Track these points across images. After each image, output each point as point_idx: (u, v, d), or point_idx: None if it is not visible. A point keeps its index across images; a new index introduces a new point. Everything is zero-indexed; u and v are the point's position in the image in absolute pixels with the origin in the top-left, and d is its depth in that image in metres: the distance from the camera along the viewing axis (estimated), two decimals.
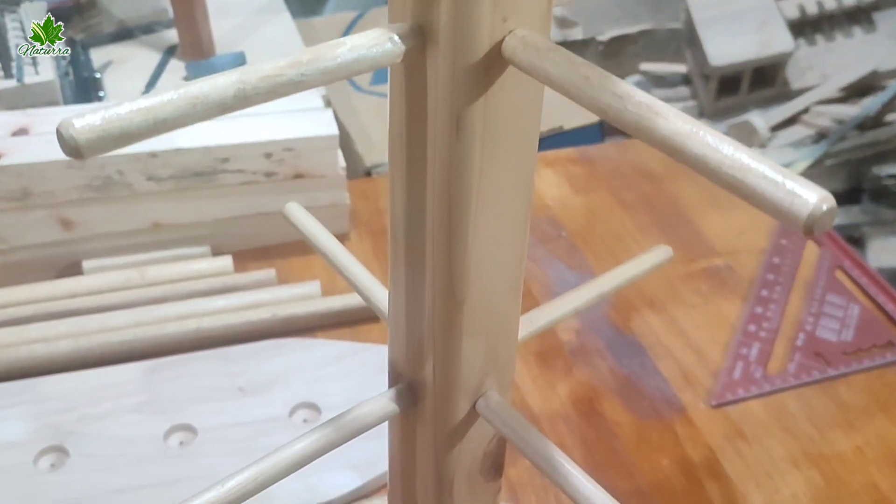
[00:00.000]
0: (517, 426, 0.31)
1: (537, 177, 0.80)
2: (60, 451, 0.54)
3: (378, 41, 0.24)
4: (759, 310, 0.67)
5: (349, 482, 0.53)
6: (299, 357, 0.61)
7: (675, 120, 0.21)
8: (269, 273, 0.66)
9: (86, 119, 0.20)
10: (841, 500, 0.55)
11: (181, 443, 0.55)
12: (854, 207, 0.96)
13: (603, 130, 1.13)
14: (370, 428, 0.32)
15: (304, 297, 0.64)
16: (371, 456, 0.54)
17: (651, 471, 0.56)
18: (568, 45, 1.50)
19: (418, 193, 0.28)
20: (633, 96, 0.21)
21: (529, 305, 0.67)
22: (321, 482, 0.53)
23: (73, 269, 0.66)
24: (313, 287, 0.65)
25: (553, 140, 1.05)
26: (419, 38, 0.25)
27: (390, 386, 0.34)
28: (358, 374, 0.60)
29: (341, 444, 0.31)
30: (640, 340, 0.65)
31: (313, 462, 0.54)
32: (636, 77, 1.44)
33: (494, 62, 0.24)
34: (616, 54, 1.58)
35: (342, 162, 0.68)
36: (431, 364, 0.32)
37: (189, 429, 0.56)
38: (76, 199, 0.63)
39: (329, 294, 0.65)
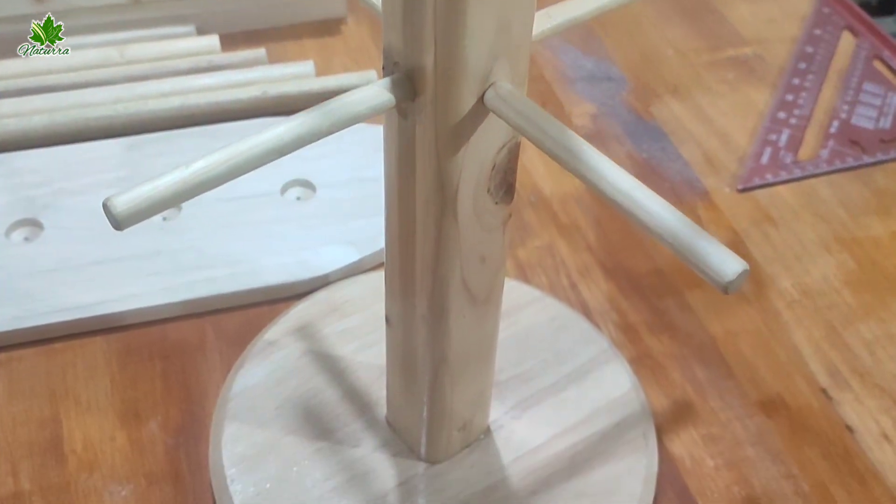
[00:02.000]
0: (532, 115, 0.27)
1: None
2: (34, 224, 0.50)
3: None
4: (789, 97, 0.62)
5: (345, 256, 0.49)
6: None
7: None
8: (258, 52, 0.61)
9: None
10: (874, 283, 0.51)
11: (164, 217, 0.51)
12: (888, 18, 0.90)
13: None
14: (361, 119, 0.27)
15: (297, 76, 0.59)
16: (370, 232, 0.50)
17: (670, 252, 0.52)
18: None
19: None
20: None
21: (542, 90, 0.63)
22: (314, 256, 0.49)
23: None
24: (307, 67, 0.60)
25: None
26: None
27: (385, 77, 0.29)
28: (356, 153, 0.55)
29: (327, 133, 0.27)
30: (662, 126, 0.60)
31: (306, 237, 0.51)
32: None
33: None
34: None
35: None
36: (433, 48, 0.27)
37: None
38: None
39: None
